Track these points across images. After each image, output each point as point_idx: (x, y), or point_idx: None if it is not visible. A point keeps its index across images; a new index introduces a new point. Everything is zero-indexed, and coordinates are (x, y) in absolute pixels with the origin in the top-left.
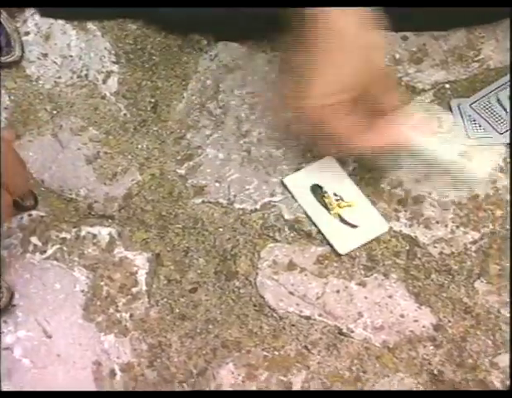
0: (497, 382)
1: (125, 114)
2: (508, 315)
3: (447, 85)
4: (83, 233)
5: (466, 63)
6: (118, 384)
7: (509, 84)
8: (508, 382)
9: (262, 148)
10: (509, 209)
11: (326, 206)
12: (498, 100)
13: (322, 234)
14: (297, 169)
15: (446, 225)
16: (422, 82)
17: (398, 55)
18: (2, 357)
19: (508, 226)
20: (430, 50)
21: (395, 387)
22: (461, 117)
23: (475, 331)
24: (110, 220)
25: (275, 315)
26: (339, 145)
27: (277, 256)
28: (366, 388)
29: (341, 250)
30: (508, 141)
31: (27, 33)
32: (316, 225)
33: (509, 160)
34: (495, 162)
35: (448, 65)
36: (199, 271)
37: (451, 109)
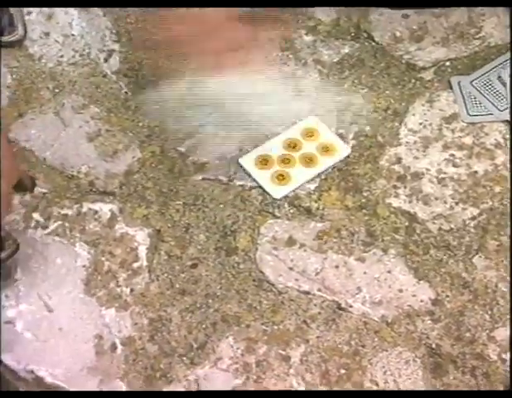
0: (494, 355)
1: (126, 93)
2: (505, 290)
3: (448, 63)
4: (84, 209)
5: (467, 40)
6: (119, 357)
7: (510, 61)
8: (504, 356)
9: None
10: (507, 185)
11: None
12: (499, 78)
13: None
14: None
15: (445, 202)
16: (422, 60)
17: (398, 33)
18: (4, 331)
19: (506, 202)
20: (431, 28)
21: (393, 361)
22: (462, 94)
23: (473, 305)
24: (111, 197)
25: (274, 290)
26: None
27: (277, 232)
28: (364, 362)
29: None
30: (508, 118)
31: (30, 12)
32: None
33: (508, 137)
34: None
35: (449, 43)
36: (199, 247)
37: (451, 87)
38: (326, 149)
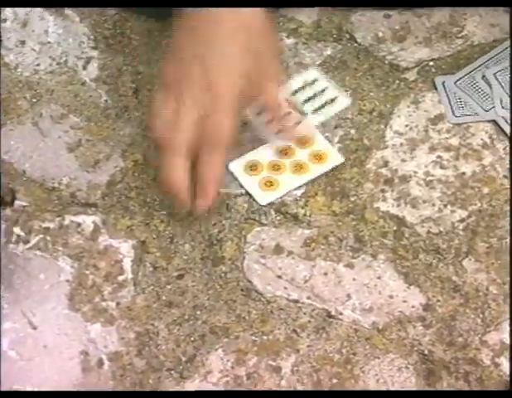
0: (487, 360)
1: (106, 101)
2: (496, 292)
3: (431, 63)
4: (66, 222)
5: (450, 40)
6: (107, 373)
7: (494, 60)
8: (497, 360)
9: (245, 132)
10: (496, 186)
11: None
12: (483, 77)
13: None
14: None
15: (433, 204)
16: (405, 60)
17: (380, 34)
18: None
19: (494, 203)
20: (413, 28)
21: (385, 368)
22: (446, 95)
23: (465, 309)
24: (94, 209)
25: (263, 299)
26: None
27: (264, 240)
28: (356, 370)
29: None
30: (493, 118)
31: (4, 20)
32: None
33: (495, 137)
34: None
35: (432, 43)
36: (185, 257)
37: (435, 87)
38: (318, 157)
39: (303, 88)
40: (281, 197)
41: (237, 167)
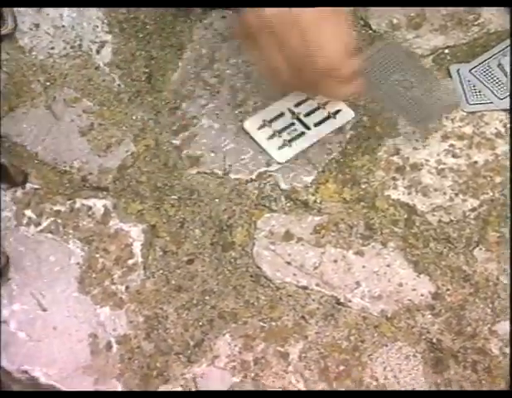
0: (496, 350)
1: (119, 85)
2: (506, 282)
3: (447, 51)
4: (77, 205)
5: (466, 27)
6: (115, 356)
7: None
8: (506, 350)
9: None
10: (508, 175)
11: None
12: (499, 65)
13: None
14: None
15: (444, 193)
16: (421, 47)
17: (395, 21)
18: None
19: (507, 192)
20: (428, 15)
21: (393, 356)
22: (461, 83)
23: (474, 299)
24: (105, 192)
25: (272, 285)
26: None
27: (274, 226)
28: (364, 358)
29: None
30: (508, 106)
31: None
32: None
33: (509, 126)
34: None
35: (447, 30)
36: (195, 242)
37: (450, 75)
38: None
39: (307, 99)
40: (297, 154)
41: (251, 125)
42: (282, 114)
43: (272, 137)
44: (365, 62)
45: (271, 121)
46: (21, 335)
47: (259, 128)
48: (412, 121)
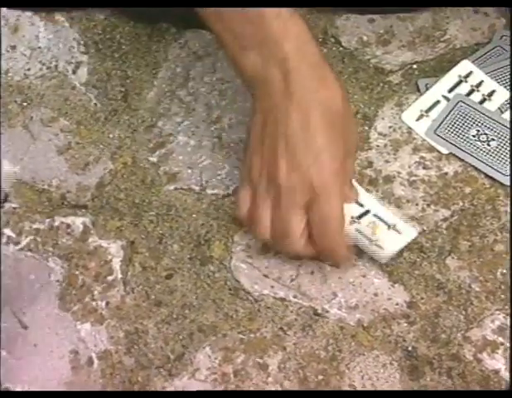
0: (470, 356)
1: (95, 104)
2: (478, 290)
3: (415, 66)
4: (56, 223)
5: (433, 43)
6: (96, 372)
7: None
8: (480, 356)
9: (233, 133)
10: (477, 186)
11: None
12: None
13: None
14: None
15: (416, 204)
16: (390, 63)
17: (365, 38)
18: None
19: (476, 202)
20: (397, 32)
21: (370, 365)
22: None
23: (448, 306)
24: (83, 210)
25: (250, 298)
26: None
27: (251, 240)
28: (342, 367)
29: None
30: None
31: None
32: None
33: None
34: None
35: (415, 46)
36: (173, 257)
37: (419, 90)
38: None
39: (459, 83)
40: None
41: None
42: None
43: None
44: None
45: None
46: (2, 353)
47: None
48: None
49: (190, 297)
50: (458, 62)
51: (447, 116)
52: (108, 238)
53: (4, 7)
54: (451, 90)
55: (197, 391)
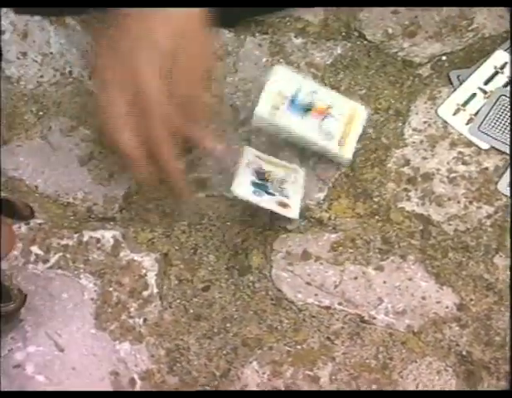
0: None
1: None
2: None
3: (444, 57)
4: (85, 238)
5: (460, 33)
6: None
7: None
8: None
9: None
10: None
11: None
12: None
13: None
14: None
15: (458, 202)
16: (418, 56)
17: (390, 30)
18: (13, 376)
19: None
20: (422, 23)
21: (424, 372)
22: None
23: (500, 307)
24: (112, 223)
25: (294, 308)
26: None
27: (291, 247)
28: (394, 375)
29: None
30: None
31: (3, 32)
32: None
33: None
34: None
35: (442, 37)
36: (210, 268)
37: (451, 82)
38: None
39: (495, 74)
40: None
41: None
42: None
43: None
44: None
45: None
46: (40, 378)
47: None
48: None
49: (229, 309)
50: (488, 52)
51: (490, 112)
52: (140, 251)
53: (4, 7)
54: (487, 82)
55: (197, 391)
